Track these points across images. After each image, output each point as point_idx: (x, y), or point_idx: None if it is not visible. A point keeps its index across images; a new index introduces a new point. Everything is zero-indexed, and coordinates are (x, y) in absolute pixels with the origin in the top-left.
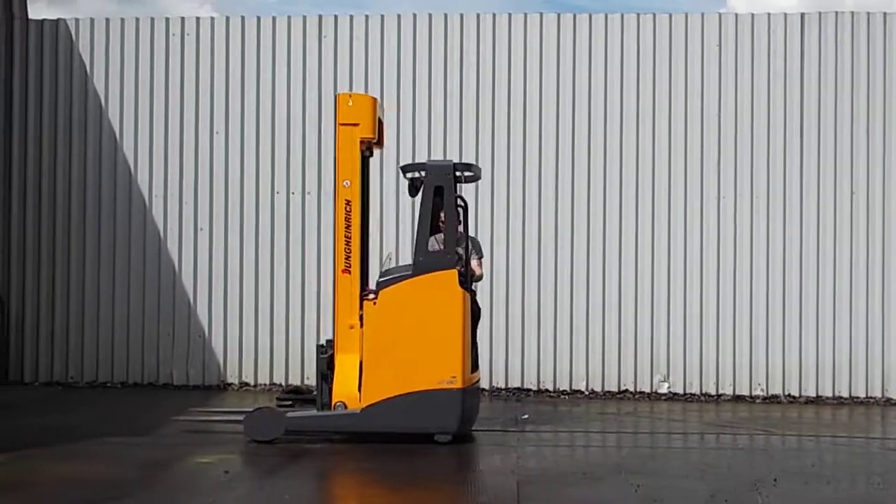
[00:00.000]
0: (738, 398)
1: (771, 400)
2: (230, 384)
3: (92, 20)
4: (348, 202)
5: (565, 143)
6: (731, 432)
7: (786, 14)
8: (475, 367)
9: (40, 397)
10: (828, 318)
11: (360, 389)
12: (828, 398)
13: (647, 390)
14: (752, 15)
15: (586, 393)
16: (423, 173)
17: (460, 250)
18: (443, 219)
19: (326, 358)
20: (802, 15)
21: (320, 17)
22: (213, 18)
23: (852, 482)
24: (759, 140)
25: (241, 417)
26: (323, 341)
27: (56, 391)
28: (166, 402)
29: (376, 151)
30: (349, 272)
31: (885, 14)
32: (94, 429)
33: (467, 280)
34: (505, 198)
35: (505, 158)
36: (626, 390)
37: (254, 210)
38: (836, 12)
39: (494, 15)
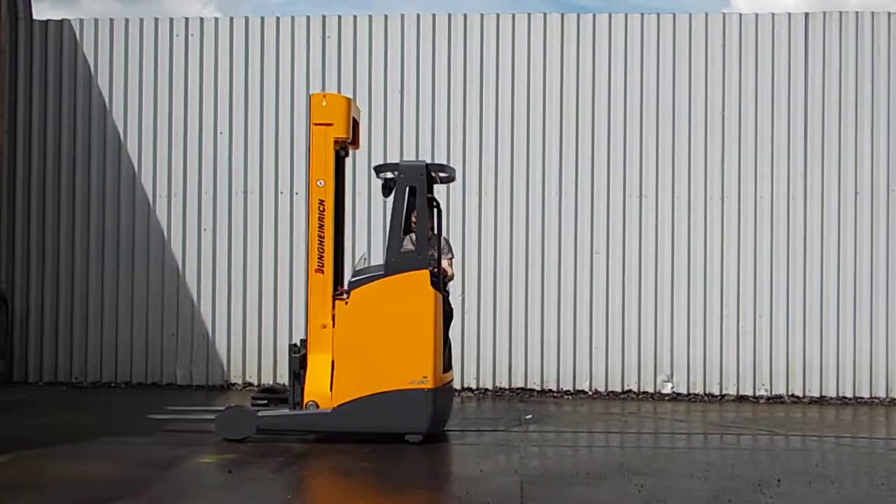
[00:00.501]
0: (741, 398)
1: (774, 400)
2: (234, 384)
3: (96, 21)
4: (321, 202)
5: (569, 143)
6: (734, 432)
7: (790, 14)
8: (448, 367)
9: (45, 397)
10: (831, 317)
11: (331, 389)
12: (832, 398)
13: (651, 390)
14: (756, 15)
15: (590, 393)
16: (396, 174)
17: (434, 251)
18: (413, 219)
19: (299, 357)
20: (806, 15)
21: (324, 17)
22: (216, 19)
23: (856, 483)
24: (763, 140)
25: (213, 416)
26: (297, 341)
27: (60, 391)
28: (170, 402)
29: (352, 151)
30: (322, 272)
31: (889, 14)
32: (99, 429)
33: (439, 280)
34: (508, 197)
35: (508, 159)
36: (630, 390)
37: (258, 210)
38: (841, 12)
39: (498, 15)
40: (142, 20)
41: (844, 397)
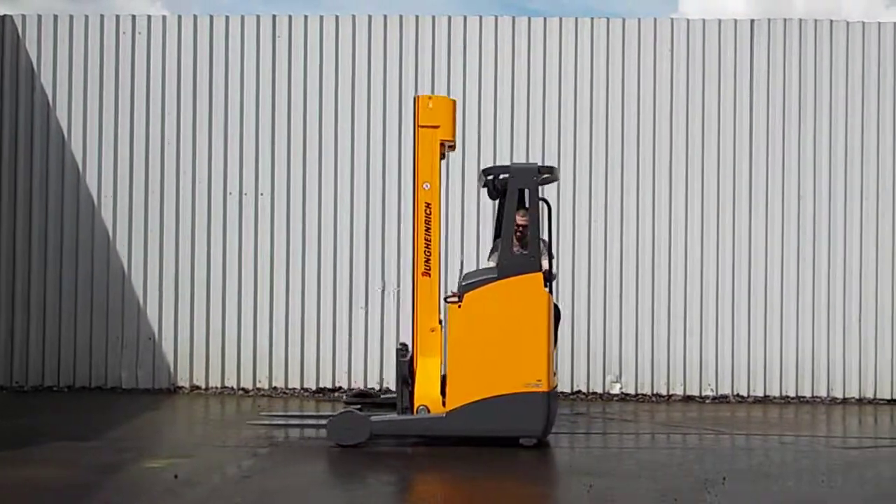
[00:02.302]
0: (688, 398)
1: (720, 400)
2: (181, 387)
3: (39, 16)
4: (428, 205)
5: (520, 146)
6: (681, 432)
7: (736, 20)
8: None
9: None
10: (775, 319)
11: (443, 393)
12: (775, 398)
13: (600, 391)
14: (704, 21)
15: None
16: (506, 176)
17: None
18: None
19: (407, 361)
20: (752, 21)
21: (274, 16)
22: (164, 17)
23: (798, 480)
24: (710, 144)
25: (314, 422)
26: (401, 344)
27: (1, 396)
28: (115, 406)
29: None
30: (429, 275)
31: (831, 21)
32: (44, 433)
33: (551, 282)
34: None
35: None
36: (579, 391)
37: (206, 211)
38: (785, 19)
39: (450, 17)
40: (87, 17)
41: (787, 397)
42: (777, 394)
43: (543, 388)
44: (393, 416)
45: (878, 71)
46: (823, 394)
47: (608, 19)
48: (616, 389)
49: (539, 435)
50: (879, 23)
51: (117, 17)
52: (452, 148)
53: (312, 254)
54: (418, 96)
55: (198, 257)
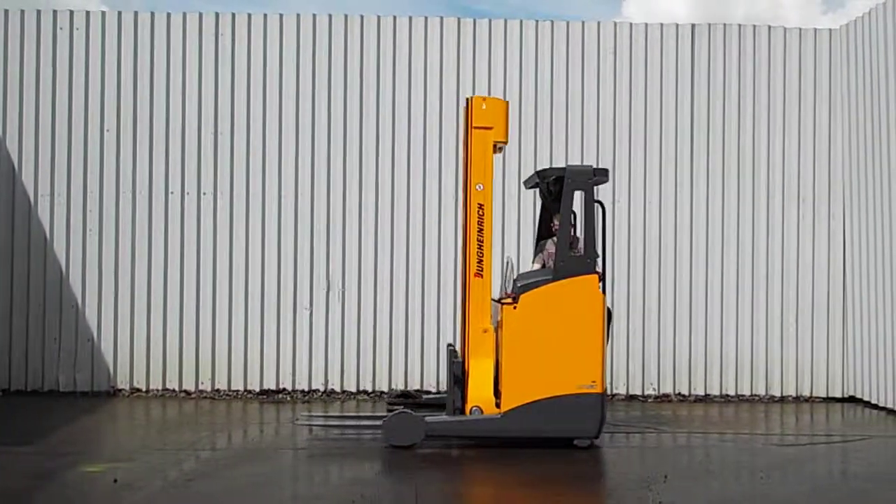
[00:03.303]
0: (631, 397)
1: (662, 399)
2: (121, 390)
3: None
4: (481, 206)
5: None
6: (623, 431)
7: (677, 25)
8: None
9: None
10: (715, 319)
11: (496, 394)
12: (716, 396)
13: None
14: (646, 24)
15: None
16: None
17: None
18: (555, 223)
19: (459, 363)
20: (693, 26)
21: (217, 14)
22: (103, 13)
23: (738, 477)
24: (652, 146)
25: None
26: (453, 345)
27: None
28: (53, 410)
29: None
30: (481, 276)
31: (769, 27)
32: None
33: (604, 284)
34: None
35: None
36: None
37: (146, 211)
38: (725, 24)
39: (395, 17)
40: (23, 11)
41: (727, 395)
42: (718, 392)
43: (598, 389)
44: (450, 416)
45: (814, 75)
46: (762, 392)
47: (552, 22)
48: None
49: (593, 436)
50: (815, 29)
51: (54, 12)
52: (501, 150)
53: (256, 254)
54: (471, 97)
55: (138, 257)
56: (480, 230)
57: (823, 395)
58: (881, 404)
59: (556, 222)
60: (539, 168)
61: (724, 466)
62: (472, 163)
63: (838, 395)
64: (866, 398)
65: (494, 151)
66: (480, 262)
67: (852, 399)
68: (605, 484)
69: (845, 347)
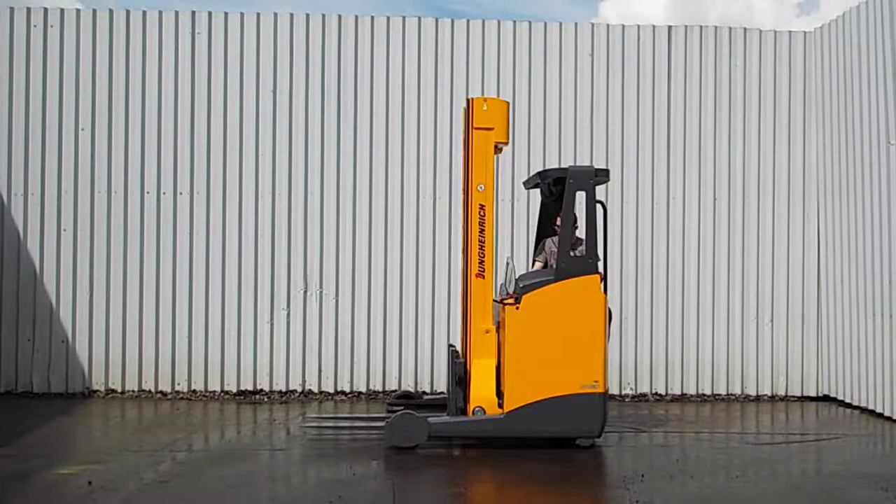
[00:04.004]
0: (608, 397)
1: (639, 398)
2: (96, 391)
3: None
4: (482, 206)
5: (443, 148)
6: None
7: (654, 26)
8: None
9: None
10: (692, 319)
11: (498, 394)
12: (692, 396)
13: None
14: (623, 26)
15: None
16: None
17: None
18: (558, 223)
19: (462, 363)
20: (669, 27)
21: (193, 12)
22: (78, 10)
23: (714, 476)
24: (629, 147)
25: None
26: (454, 346)
27: None
28: (26, 411)
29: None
30: (483, 276)
31: (745, 29)
32: None
33: (606, 284)
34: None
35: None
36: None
37: (122, 210)
38: (701, 26)
39: (373, 17)
40: None
41: (704, 395)
42: (694, 392)
43: (600, 388)
44: (449, 417)
45: (789, 76)
46: (738, 391)
47: (530, 23)
48: None
49: (596, 435)
50: (790, 31)
51: (28, 9)
52: (501, 150)
53: (233, 254)
54: (472, 98)
55: (114, 257)
56: (482, 231)
57: (798, 394)
58: (855, 403)
59: (558, 221)
60: (534, 169)
61: (700, 465)
62: (472, 163)
63: (813, 394)
64: (840, 397)
65: (495, 152)
66: (482, 262)
67: (827, 398)
68: (582, 484)
69: (819, 347)
